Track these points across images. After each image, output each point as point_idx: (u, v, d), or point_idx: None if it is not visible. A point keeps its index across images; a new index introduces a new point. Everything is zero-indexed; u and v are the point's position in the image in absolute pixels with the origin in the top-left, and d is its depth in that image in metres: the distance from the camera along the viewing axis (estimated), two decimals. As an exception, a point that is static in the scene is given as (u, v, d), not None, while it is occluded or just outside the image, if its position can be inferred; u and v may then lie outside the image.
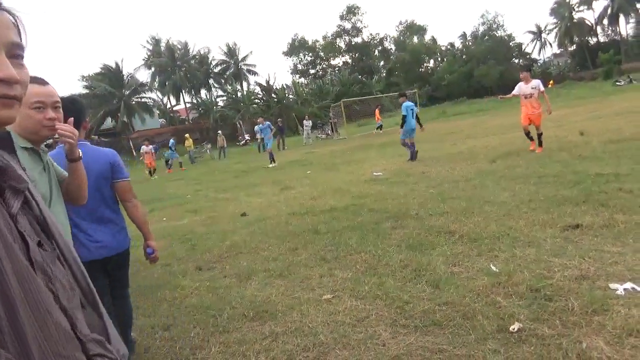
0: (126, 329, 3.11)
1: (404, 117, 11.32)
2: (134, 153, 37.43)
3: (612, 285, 3.08)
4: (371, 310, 3.31)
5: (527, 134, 9.93)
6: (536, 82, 9.64)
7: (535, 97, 9.59)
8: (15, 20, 0.78)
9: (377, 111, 29.27)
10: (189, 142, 26.81)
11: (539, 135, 9.58)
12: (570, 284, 3.21)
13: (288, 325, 3.29)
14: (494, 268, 3.69)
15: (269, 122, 19.38)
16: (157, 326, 3.63)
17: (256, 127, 27.03)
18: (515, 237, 4.34)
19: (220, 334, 3.35)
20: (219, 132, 29.23)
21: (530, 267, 3.58)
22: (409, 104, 11.59)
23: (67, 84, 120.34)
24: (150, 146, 21.72)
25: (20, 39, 0.78)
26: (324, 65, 69.61)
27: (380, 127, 27.91)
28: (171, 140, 23.79)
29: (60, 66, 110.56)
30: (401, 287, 3.62)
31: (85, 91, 47.23)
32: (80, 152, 2.09)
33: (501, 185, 6.64)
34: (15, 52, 0.75)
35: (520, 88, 9.78)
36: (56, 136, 1.99)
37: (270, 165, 15.89)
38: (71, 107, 2.37)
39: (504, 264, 3.74)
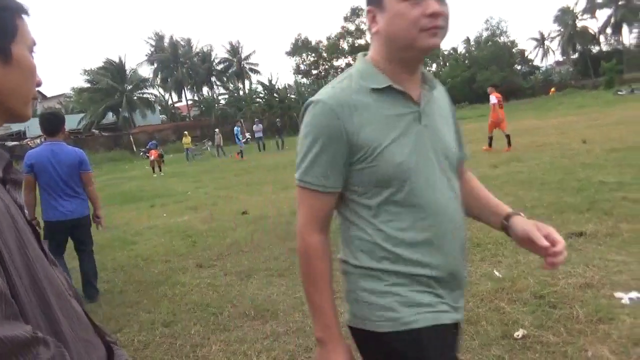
0: (91, 279, 4.33)
1: None
2: (135, 148, 37.38)
3: (617, 294, 3.06)
4: (373, 313, 3.28)
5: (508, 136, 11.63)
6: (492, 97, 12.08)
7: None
8: None
9: None
10: (187, 140, 26.71)
11: (506, 136, 11.59)
12: (575, 291, 3.18)
13: (290, 325, 3.27)
14: (497, 273, 3.67)
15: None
16: (157, 322, 3.60)
17: (255, 126, 27.07)
18: (519, 243, 4.31)
19: (220, 332, 3.32)
20: (217, 130, 29.14)
21: (534, 274, 3.56)
22: None
23: (70, 77, 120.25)
24: (154, 142, 21.50)
25: None
26: (327, 66, 69.48)
27: None
28: (236, 128, 23.55)
29: (63, 59, 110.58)
30: (404, 290, 3.60)
31: (87, 85, 47.24)
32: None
33: (504, 191, 6.61)
34: (33, 49, 0.84)
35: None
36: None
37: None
38: (54, 119, 4.13)
39: (507, 270, 3.72)
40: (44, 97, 69.74)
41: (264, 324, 3.34)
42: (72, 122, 44.47)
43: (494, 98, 12.15)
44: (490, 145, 12.01)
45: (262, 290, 4.00)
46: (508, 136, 11.54)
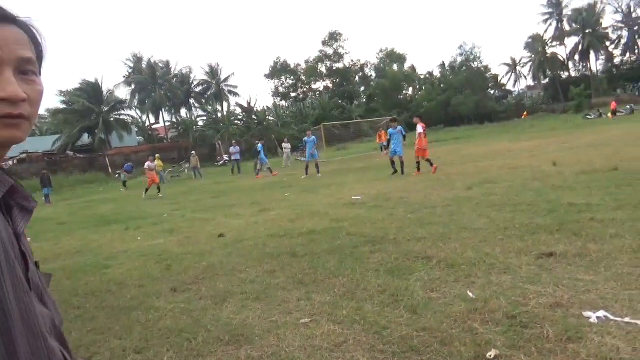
0: None
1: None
2: (110, 170, 36.80)
3: (586, 313, 3.13)
4: (349, 335, 3.28)
5: (419, 162, 13.62)
6: (419, 127, 13.70)
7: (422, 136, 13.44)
8: (33, 33, 0.76)
9: (382, 132, 29.94)
10: (159, 163, 26.40)
11: (427, 160, 13.47)
12: (545, 311, 3.25)
13: (265, 349, 3.23)
14: (471, 294, 3.72)
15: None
16: (129, 349, 3.52)
17: (231, 148, 26.87)
18: (492, 263, 4.39)
19: (194, 358, 3.26)
20: (193, 152, 29.00)
21: (507, 294, 3.61)
22: (310, 138, 17.45)
23: (44, 98, 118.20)
24: (154, 163, 19.79)
25: (35, 53, 0.75)
26: (305, 89, 70.21)
27: (382, 147, 28.52)
28: (259, 145, 22.99)
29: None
30: (379, 312, 3.61)
31: (62, 106, 46.53)
32: None
33: (477, 212, 6.74)
34: (25, 68, 0.72)
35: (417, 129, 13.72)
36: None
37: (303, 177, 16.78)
38: None
39: (480, 291, 3.77)
40: (17, 118, 68.52)
41: (239, 349, 3.30)
42: (46, 143, 43.72)
43: (420, 127, 13.74)
44: (418, 169, 13.65)
45: (237, 314, 3.96)
46: (428, 161, 13.46)
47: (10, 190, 0.73)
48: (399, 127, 14.37)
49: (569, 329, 2.94)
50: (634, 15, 58.12)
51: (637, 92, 56.73)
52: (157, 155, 27.56)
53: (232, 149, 26.59)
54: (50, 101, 50.68)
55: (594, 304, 3.28)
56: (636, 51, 58.96)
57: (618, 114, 35.10)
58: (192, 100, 60.15)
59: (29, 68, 0.74)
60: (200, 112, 57.91)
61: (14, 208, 0.74)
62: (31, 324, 0.68)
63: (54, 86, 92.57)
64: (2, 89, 0.68)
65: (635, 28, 57.78)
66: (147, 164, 19.43)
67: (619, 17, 59.00)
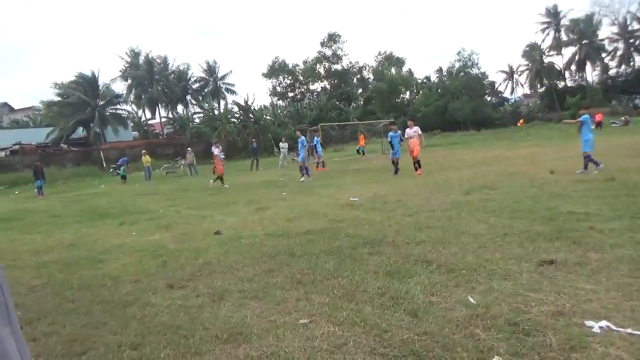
0: None
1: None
2: (104, 164, 36.56)
3: (588, 323, 3.11)
4: (349, 337, 3.24)
5: (414, 163, 14.57)
6: (416, 128, 14.81)
7: (415, 138, 14.56)
8: None
9: (362, 136, 30.14)
10: (146, 159, 26.23)
11: (418, 161, 14.44)
12: (548, 319, 3.22)
13: (263, 349, 3.19)
14: (472, 300, 3.69)
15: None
16: (125, 344, 3.46)
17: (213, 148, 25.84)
18: (492, 269, 4.37)
19: (192, 355, 3.21)
20: (189, 149, 28.90)
21: (508, 301, 3.59)
22: (302, 138, 17.41)
23: (39, 90, 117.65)
24: (219, 149, 18.03)
25: None
26: (303, 89, 70.21)
27: (360, 151, 28.81)
28: (316, 139, 22.62)
29: (33, 71, 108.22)
30: (379, 314, 3.58)
31: (57, 98, 46.23)
32: None
33: (476, 217, 6.72)
34: None
35: (407, 132, 14.84)
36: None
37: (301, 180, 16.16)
38: None
39: (481, 296, 3.74)
40: (10, 109, 67.86)
41: (237, 348, 3.25)
42: (40, 135, 43.40)
43: (215, 149, 16.73)
44: (418, 167, 14.65)
45: (235, 312, 3.90)
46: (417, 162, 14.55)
47: None
48: (399, 131, 15.39)
49: (572, 338, 2.92)
50: (630, 27, 58.51)
51: (631, 104, 57.16)
52: (143, 152, 27.38)
53: (213, 149, 25.68)
54: (45, 93, 50.46)
55: (596, 313, 3.26)
56: (631, 63, 59.37)
57: (612, 124, 35.31)
58: (189, 97, 59.89)
59: None
60: (197, 109, 57.68)
61: None
62: None
63: (49, 78, 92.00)
64: None
65: (631, 40, 58.17)
66: (215, 150, 17.91)
67: (615, 29, 59.41)
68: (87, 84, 46.46)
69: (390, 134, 15.37)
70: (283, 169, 24.33)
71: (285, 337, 3.34)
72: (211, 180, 17.43)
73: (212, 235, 7.32)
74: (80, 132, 47.07)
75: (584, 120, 11.01)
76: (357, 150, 29.52)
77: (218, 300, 4.26)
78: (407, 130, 14.89)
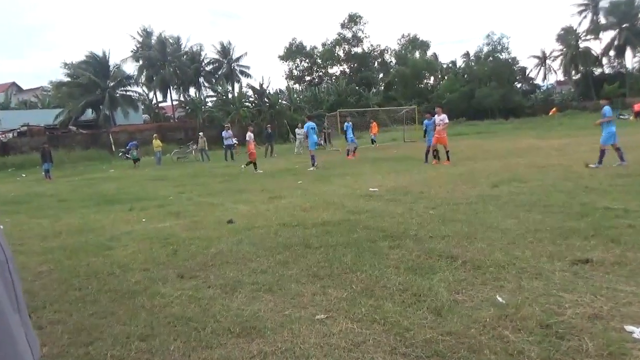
0: None
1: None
2: (114, 148, 36.98)
3: (628, 328, 3.02)
4: (368, 335, 3.21)
5: (435, 151, 14.91)
6: (443, 116, 14.90)
7: (441, 127, 14.67)
8: None
9: (374, 124, 29.49)
10: (157, 143, 26.42)
11: (447, 152, 14.67)
12: (583, 322, 3.14)
13: (278, 345, 3.17)
14: (500, 299, 3.62)
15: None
16: (133, 336, 3.48)
17: (224, 133, 25.88)
18: (522, 267, 4.29)
19: (202, 349, 3.21)
20: (200, 133, 29.00)
21: (539, 301, 3.51)
22: (310, 124, 17.49)
23: (49, 70, 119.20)
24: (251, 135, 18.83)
25: None
26: (321, 73, 69.94)
27: (373, 140, 28.37)
28: (346, 124, 22.74)
29: (42, 51, 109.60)
30: (400, 312, 3.53)
31: (67, 79, 46.77)
32: None
33: (505, 212, 6.61)
34: None
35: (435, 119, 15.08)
36: None
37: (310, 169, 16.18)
38: None
39: (510, 296, 3.67)
40: (19, 89, 69.00)
41: (250, 343, 3.24)
42: (48, 117, 44.02)
43: (250, 135, 17.68)
44: (438, 158, 14.92)
45: (248, 305, 3.90)
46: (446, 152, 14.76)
47: None
48: (433, 119, 15.45)
49: (610, 343, 2.84)
50: (675, 11, 56.77)
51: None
52: (155, 135, 27.62)
53: (224, 134, 25.87)
54: (54, 73, 51.16)
55: (636, 317, 3.17)
56: (676, 50, 57.70)
57: (621, 117, 34.42)
58: (201, 79, 60.12)
59: None
60: (210, 92, 57.84)
61: None
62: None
63: (59, 58, 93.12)
64: None
65: (677, 25, 56.49)
66: (249, 135, 18.67)
67: (659, 12, 57.66)
68: (98, 65, 46.85)
69: (426, 122, 16.05)
70: (299, 156, 24.31)
71: (301, 332, 3.32)
72: (243, 165, 18.00)
73: (224, 224, 7.33)
74: (89, 114, 47.58)
75: (607, 113, 10.87)
76: (372, 140, 28.87)
77: (230, 292, 4.26)
78: (435, 117, 15.14)
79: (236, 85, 59.28)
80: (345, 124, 22.40)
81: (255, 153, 17.79)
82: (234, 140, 27.38)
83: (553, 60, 64.37)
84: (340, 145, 27.51)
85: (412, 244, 5.32)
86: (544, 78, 66.27)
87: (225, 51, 60.40)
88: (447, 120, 14.99)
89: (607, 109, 10.98)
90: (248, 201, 9.69)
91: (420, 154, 15.78)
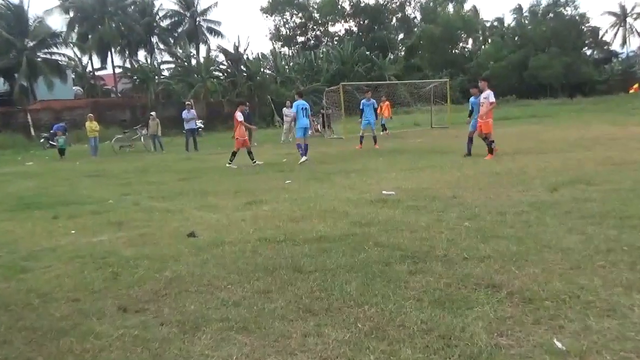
0: None
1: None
2: (33, 132, 36.97)
3: None
4: (379, 393, 3.24)
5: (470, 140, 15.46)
6: (488, 92, 14.92)
7: (484, 107, 14.86)
8: None
9: (386, 103, 29.25)
10: (92, 127, 26.28)
11: (491, 142, 14.82)
12: (671, 377, 3.17)
13: (255, 405, 3.19)
14: (559, 344, 3.65)
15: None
16: (57, 391, 3.50)
17: (184, 113, 25.98)
18: (589, 301, 4.32)
19: (152, 410, 3.23)
20: (152, 113, 28.87)
21: (613, 348, 3.54)
22: (301, 102, 17.72)
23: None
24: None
25: None
26: (319, 33, 70.23)
27: (384, 125, 28.05)
28: (363, 101, 22.72)
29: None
30: (423, 360, 3.56)
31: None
32: None
33: (567, 225, 6.66)
34: None
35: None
36: None
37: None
38: None
39: (573, 340, 3.70)
40: None
41: (217, 402, 3.26)
42: (-57, 88, 43.99)
43: (240, 115, 17.25)
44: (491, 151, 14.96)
45: (215, 350, 3.92)
46: (491, 142, 14.90)
47: None
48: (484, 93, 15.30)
49: None
50: None
51: None
52: (90, 116, 27.56)
53: (185, 114, 26.29)
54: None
55: None
56: None
57: None
58: (155, 39, 60.26)
59: None
60: (167, 57, 58.00)
61: None
62: None
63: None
64: None
65: None
66: (238, 114, 17.93)
67: None
68: (12, 18, 46.89)
69: (472, 99, 16.52)
70: (287, 146, 24.36)
71: (287, 388, 3.35)
72: (228, 162, 17.51)
73: (184, 238, 7.38)
74: (0, 85, 47.59)
75: None
76: (383, 126, 28.38)
77: (191, 331, 4.28)
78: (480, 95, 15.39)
79: (202, 48, 59.44)
80: (364, 101, 22.26)
81: (246, 140, 17.78)
82: (199, 124, 27.44)
83: (636, 19, 64.74)
84: (348, 131, 27.56)
85: (440, 268, 5.35)
86: (624, 43, 66.58)
87: (188, 2, 60.49)
88: (492, 99, 14.89)
89: None
90: (217, 207, 9.73)
91: (454, 144, 15.72)
